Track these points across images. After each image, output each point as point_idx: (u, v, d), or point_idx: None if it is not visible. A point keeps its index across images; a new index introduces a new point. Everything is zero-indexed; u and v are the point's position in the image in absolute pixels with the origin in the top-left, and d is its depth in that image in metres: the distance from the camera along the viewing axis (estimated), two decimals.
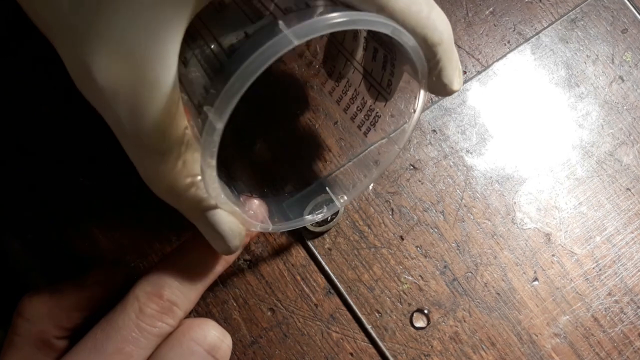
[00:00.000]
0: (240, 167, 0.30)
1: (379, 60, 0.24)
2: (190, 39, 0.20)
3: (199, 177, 0.21)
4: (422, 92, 0.22)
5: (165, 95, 0.18)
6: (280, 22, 0.17)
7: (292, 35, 0.16)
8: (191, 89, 0.20)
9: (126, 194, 0.30)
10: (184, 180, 0.20)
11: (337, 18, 0.17)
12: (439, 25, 0.19)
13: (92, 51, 0.16)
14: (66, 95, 0.31)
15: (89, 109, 0.29)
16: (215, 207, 0.22)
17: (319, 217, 0.27)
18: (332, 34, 0.25)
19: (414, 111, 0.23)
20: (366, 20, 0.18)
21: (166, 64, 0.17)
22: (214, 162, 0.19)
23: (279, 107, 0.31)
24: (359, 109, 0.26)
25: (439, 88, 0.21)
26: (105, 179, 0.30)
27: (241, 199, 0.25)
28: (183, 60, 0.20)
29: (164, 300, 0.23)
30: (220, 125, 0.17)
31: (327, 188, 0.28)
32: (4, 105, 0.31)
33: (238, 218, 0.23)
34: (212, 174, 0.19)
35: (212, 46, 0.19)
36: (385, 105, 0.25)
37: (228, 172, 0.29)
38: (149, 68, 0.17)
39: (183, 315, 0.24)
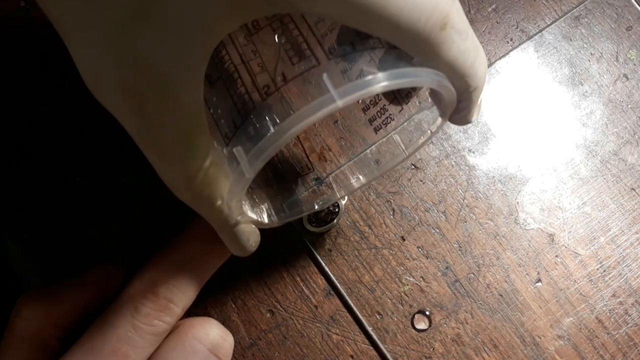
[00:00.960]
0: None
1: None
2: (217, 57, 0.19)
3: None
4: (441, 119, 0.22)
5: (189, 114, 0.17)
6: (325, 76, 0.16)
7: (338, 96, 0.15)
8: (217, 114, 0.19)
9: (124, 194, 0.30)
10: (207, 195, 0.20)
11: (386, 79, 0.16)
12: (479, 72, 0.19)
13: (112, 59, 0.16)
14: (65, 95, 0.30)
15: (87, 108, 0.29)
16: (237, 223, 0.22)
17: (316, 206, 0.27)
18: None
19: (430, 132, 0.23)
20: (416, 78, 0.17)
21: (192, 82, 0.17)
22: (241, 202, 0.19)
23: None
24: (372, 102, 0.25)
25: (459, 120, 0.21)
26: (103, 179, 0.30)
27: (254, 196, 0.25)
28: (208, 77, 0.19)
29: (159, 298, 0.23)
30: (251, 177, 0.17)
31: (325, 181, 0.28)
32: (2, 105, 0.30)
33: (254, 223, 0.23)
34: (239, 206, 0.19)
35: (244, 78, 0.18)
36: (400, 112, 0.24)
37: None
38: (172, 84, 0.16)
39: (181, 312, 0.24)
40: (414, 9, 0.15)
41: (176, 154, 0.18)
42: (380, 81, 0.16)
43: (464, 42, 0.17)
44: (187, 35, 0.15)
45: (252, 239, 0.23)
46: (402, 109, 0.24)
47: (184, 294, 0.23)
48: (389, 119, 0.25)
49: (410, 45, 0.17)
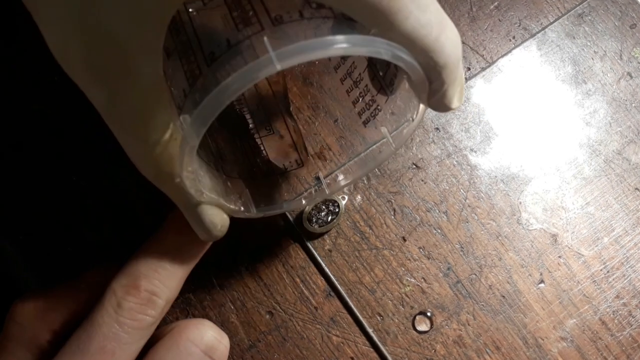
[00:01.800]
0: (230, 151, 0.29)
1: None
2: (174, 29, 0.19)
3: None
4: (421, 105, 0.22)
5: (148, 85, 0.17)
6: (265, 39, 0.16)
7: (276, 58, 0.15)
8: (173, 86, 0.19)
9: (121, 193, 0.29)
10: (168, 170, 0.20)
11: (331, 43, 0.16)
12: (446, 48, 0.18)
13: (76, 33, 0.16)
14: (58, 92, 0.30)
15: (81, 106, 0.29)
16: (198, 202, 0.22)
17: (303, 202, 0.27)
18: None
19: (412, 119, 0.23)
20: (364, 45, 0.16)
21: (149, 54, 0.17)
22: (191, 170, 0.19)
23: (277, 104, 0.30)
24: (361, 94, 0.25)
25: (438, 105, 0.21)
26: (99, 178, 0.30)
27: (228, 183, 0.25)
28: (166, 50, 0.19)
29: (141, 292, 0.23)
30: (195, 143, 0.17)
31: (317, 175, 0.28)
32: None
33: (222, 208, 0.23)
34: (191, 179, 0.19)
35: (194, 47, 0.19)
36: (386, 102, 0.24)
37: (218, 150, 0.29)
38: (131, 56, 0.16)
39: (165, 304, 0.23)
40: None
41: (137, 128, 0.18)
42: (323, 46, 0.15)
43: (423, 14, 0.17)
44: (142, 5, 0.15)
45: (217, 222, 0.22)
46: (388, 98, 0.24)
47: (166, 286, 0.23)
48: (376, 110, 0.25)
49: (362, 14, 0.16)
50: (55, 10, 0.16)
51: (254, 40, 0.17)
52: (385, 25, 0.16)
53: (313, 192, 0.27)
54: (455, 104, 0.20)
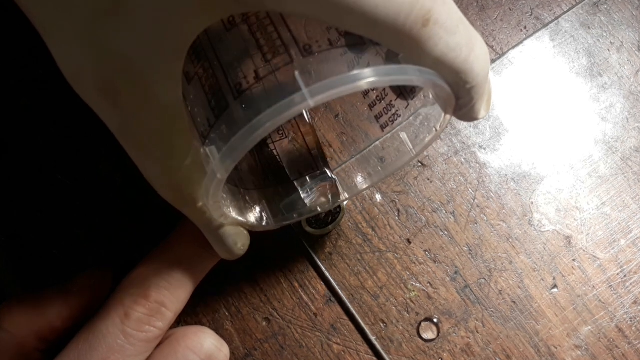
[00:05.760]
0: (244, 160, 0.29)
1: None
2: (194, 54, 0.19)
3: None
4: (445, 116, 0.21)
5: (167, 110, 0.17)
6: (297, 74, 0.16)
7: (309, 95, 0.15)
8: (194, 112, 0.19)
9: (109, 192, 0.29)
10: (189, 193, 0.20)
11: (366, 77, 0.16)
12: (475, 68, 0.18)
13: (89, 55, 0.16)
14: (46, 87, 0.29)
15: (69, 102, 0.27)
16: (221, 224, 0.22)
17: (319, 209, 0.26)
18: None
19: (436, 129, 0.22)
20: (398, 74, 0.16)
21: (168, 78, 0.17)
22: (218, 202, 0.19)
23: None
24: (378, 98, 0.25)
25: (464, 117, 0.21)
26: (86, 176, 0.29)
27: (247, 197, 0.25)
28: (186, 75, 0.19)
29: (151, 302, 0.22)
30: (224, 177, 0.17)
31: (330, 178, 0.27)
32: None
33: (243, 226, 0.23)
34: (217, 206, 0.19)
35: (218, 74, 0.18)
36: (407, 107, 0.24)
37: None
38: (149, 80, 0.16)
39: (172, 317, 0.23)
40: (391, 4, 0.15)
41: (156, 152, 0.18)
42: (358, 79, 0.15)
43: (452, 38, 0.17)
44: (158, 31, 0.15)
45: (239, 241, 0.23)
46: (409, 104, 0.24)
47: (176, 297, 0.23)
48: (395, 116, 0.24)
49: (392, 43, 0.17)
50: (68, 32, 0.15)
51: (283, 73, 0.17)
52: (416, 52, 0.17)
53: (330, 197, 0.26)
54: (482, 114, 0.20)
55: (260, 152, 0.28)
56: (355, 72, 0.16)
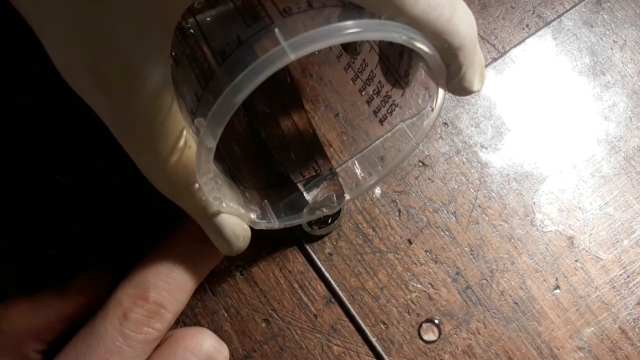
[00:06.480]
0: (245, 162, 0.29)
1: (396, 47, 0.22)
2: (181, 35, 0.19)
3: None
4: (440, 91, 0.21)
5: (156, 93, 0.17)
6: (276, 30, 0.16)
7: (289, 48, 0.15)
8: (183, 91, 0.19)
9: (109, 193, 0.29)
10: (184, 180, 0.20)
11: (343, 29, 0.15)
12: (461, 29, 0.18)
13: (79, 44, 0.16)
14: (46, 87, 0.29)
15: (68, 102, 0.27)
16: (217, 212, 0.21)
17: (324, 210, 0.26)
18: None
19: (432, 109, 0.22)
20: (377, 30, 0.16)
21: (156, 61, 0.17)
22: (210, 176, 0.19)
23: (274, 98, 0.29)
24: (375, 92, 0.25)
25: (458, 89, 0.20)
26: (85, 177, 0.29)
27: (246, 193, 0.25)
28: (174, 57, 0.19)
29: (150, 303, 0.22)
30: (212, 145, 0.17)
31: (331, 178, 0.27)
32: None
33: (243, 219, 0.22)
34: (210, 186, 0.19)
35: (204, 48, 0.19)
36: (402, 95, 0.23)
37: (233, 162, 0.28)
38: (137, 64, 0.16)
39: (172, 318, 0.23)
40: None
41: (148, 138, 0.18)
42: (336, 33, 0.15)
43: None
44: (145, 13, 0.15)
45: (239, 232, 0.22)
46: (404, 92, 0.23)
47: (175, 298, 0.23)
48: (393, 107, 0.24)
49: (371, 1, 0.17)
50: (58, 23, 0.15)
51: (265, 34, 0.17)
52: (395, 10, 0.16)
53: (334, 197, 0.26)
54: (476, 86, 0.20)
55: (261, 151, 0.28)
56: (337, 24, 0.15)
